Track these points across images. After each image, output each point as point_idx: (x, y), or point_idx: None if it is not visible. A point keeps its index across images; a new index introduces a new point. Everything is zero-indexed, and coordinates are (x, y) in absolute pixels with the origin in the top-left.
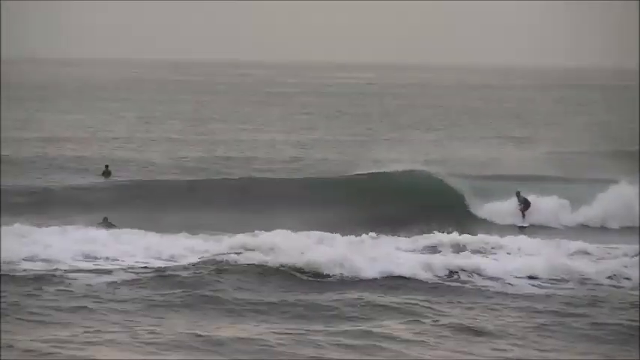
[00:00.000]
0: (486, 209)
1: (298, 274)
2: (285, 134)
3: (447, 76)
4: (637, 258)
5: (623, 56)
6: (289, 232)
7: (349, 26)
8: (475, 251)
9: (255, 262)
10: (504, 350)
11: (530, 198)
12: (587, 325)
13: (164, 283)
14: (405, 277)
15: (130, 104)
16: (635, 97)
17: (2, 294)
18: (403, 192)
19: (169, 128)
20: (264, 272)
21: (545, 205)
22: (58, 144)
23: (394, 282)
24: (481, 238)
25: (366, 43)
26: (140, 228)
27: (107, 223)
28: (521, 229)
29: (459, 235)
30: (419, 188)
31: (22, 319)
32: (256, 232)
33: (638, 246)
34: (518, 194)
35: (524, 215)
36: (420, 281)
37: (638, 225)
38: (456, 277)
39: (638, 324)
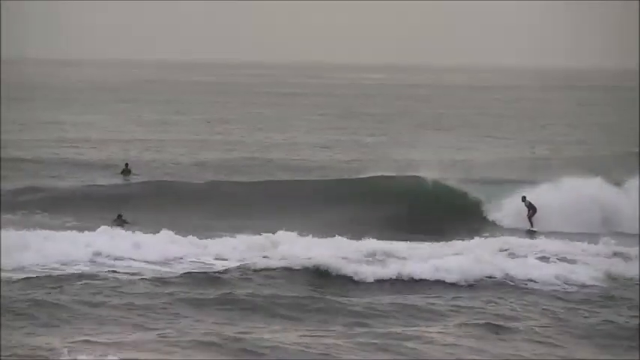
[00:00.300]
0: (500, 213)
1: (328, 276)
2: (301, 135)
3: (452, 77)
4: None
5: (623, 56)
6: (318, 234)
7: (357, 27)
8: (500, 254)
9: (285, 264)
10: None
11: (576, 180)
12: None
13: (193, 284)
14: (431, 280)
15: (142, 105)
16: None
17: (26, 295)
18: (415, 196)
19: (186, 129)
20: (293, 274)
21: (591, 187)
22: (74, 144)
23: (422, 284)
24: (505, 241)
25: (373, 45)
26: (158, 227)
27: (121, 221)
28: (532, 233)
29: (480, 238)
30: (431, 192)
31: (46, 320)
32: (284, 233)
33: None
34: (524, 199)
35: (531, 221)
36: (446, 282)
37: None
38: (485, 279)
39: (638, 323)
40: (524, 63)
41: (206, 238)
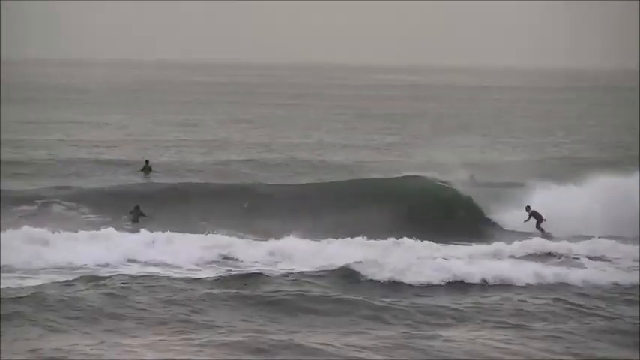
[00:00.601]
0: (510, 218)
1: (357, 277)
2: (321, 135)
3: (452, 76)
4: None
5: (623, 56)
6: (342, 238)
7: (357, 27)
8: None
9: (308, 266)
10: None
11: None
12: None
13: (218, 283)
14: (457, 281)
15: (151, 105)
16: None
17: (53, 298)
18: (420, 198)
19: (204, 129)
20: (318, 275)
21: (625, 186)
22: (93, 144)
23: (451, 286)
24: (529, 243)
25: (373, 45)
26: (177, 224)
27: (138, 213)
28: (546, 236)
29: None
30: (448, 194)
31: (70, 320)
32: (307, 235)
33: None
34: (527, 209)
35: (540, 228)
36: (467, 283)
37: None
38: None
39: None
40: (524, 63)
41: (227, 236)
